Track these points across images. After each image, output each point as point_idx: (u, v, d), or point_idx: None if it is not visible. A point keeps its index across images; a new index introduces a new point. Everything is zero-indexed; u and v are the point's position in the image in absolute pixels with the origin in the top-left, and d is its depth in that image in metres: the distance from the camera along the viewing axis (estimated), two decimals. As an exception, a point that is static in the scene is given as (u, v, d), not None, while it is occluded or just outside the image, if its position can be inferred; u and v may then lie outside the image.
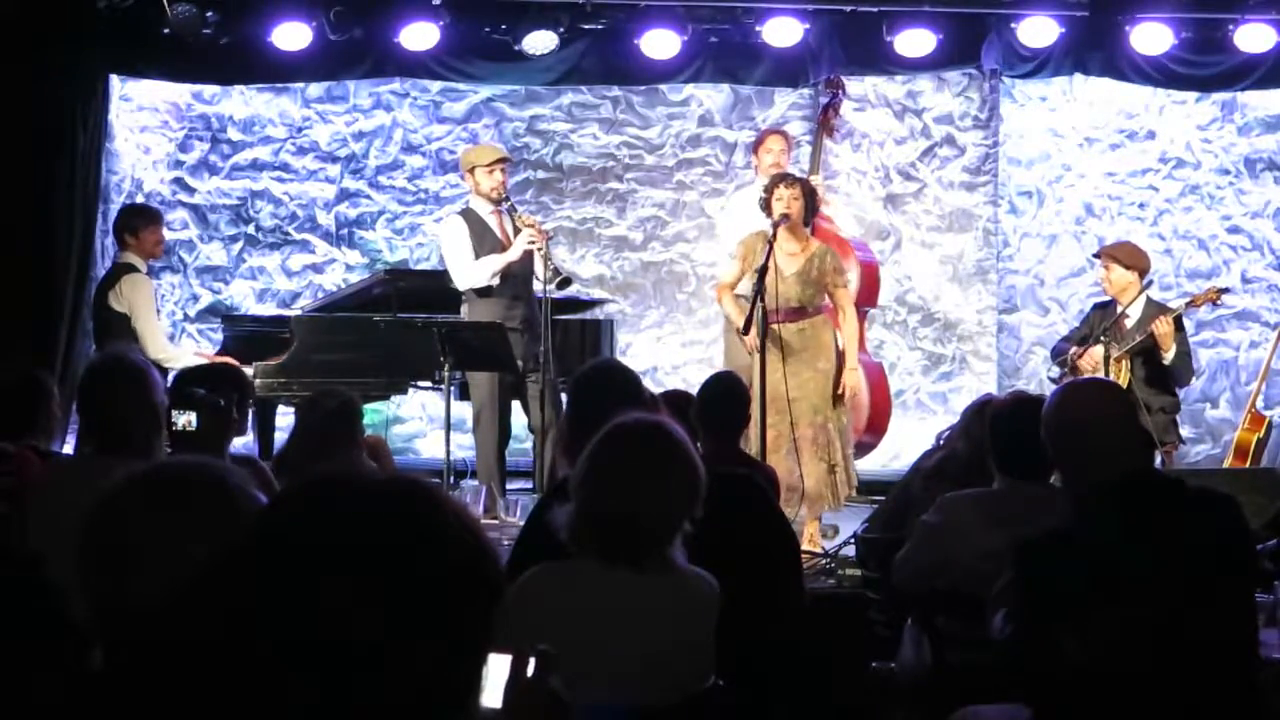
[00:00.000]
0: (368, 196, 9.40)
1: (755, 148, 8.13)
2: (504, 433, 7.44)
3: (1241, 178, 9.57)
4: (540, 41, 8.52)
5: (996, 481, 4.05)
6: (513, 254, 7.25)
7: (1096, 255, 7.84)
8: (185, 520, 1.84)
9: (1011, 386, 9.01)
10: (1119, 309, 7.41)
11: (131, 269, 7.40)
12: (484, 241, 7.34)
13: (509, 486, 7.65)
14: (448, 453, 6.99)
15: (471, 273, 7.31)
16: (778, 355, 6.81)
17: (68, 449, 7.39)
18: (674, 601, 3.09)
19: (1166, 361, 7.30)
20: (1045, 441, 3.41)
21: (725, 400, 5.06)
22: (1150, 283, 7.62)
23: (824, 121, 8.36)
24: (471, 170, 7.47)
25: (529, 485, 7.78)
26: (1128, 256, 7.52)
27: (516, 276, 7.33)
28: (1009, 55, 8.92)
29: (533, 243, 7.17)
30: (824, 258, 6.90)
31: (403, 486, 1.44)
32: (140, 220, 7.56)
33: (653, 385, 6.81)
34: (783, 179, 7.02)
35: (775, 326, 6.83)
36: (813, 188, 7.12)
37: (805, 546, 6.47)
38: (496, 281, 7.30)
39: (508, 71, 8.95)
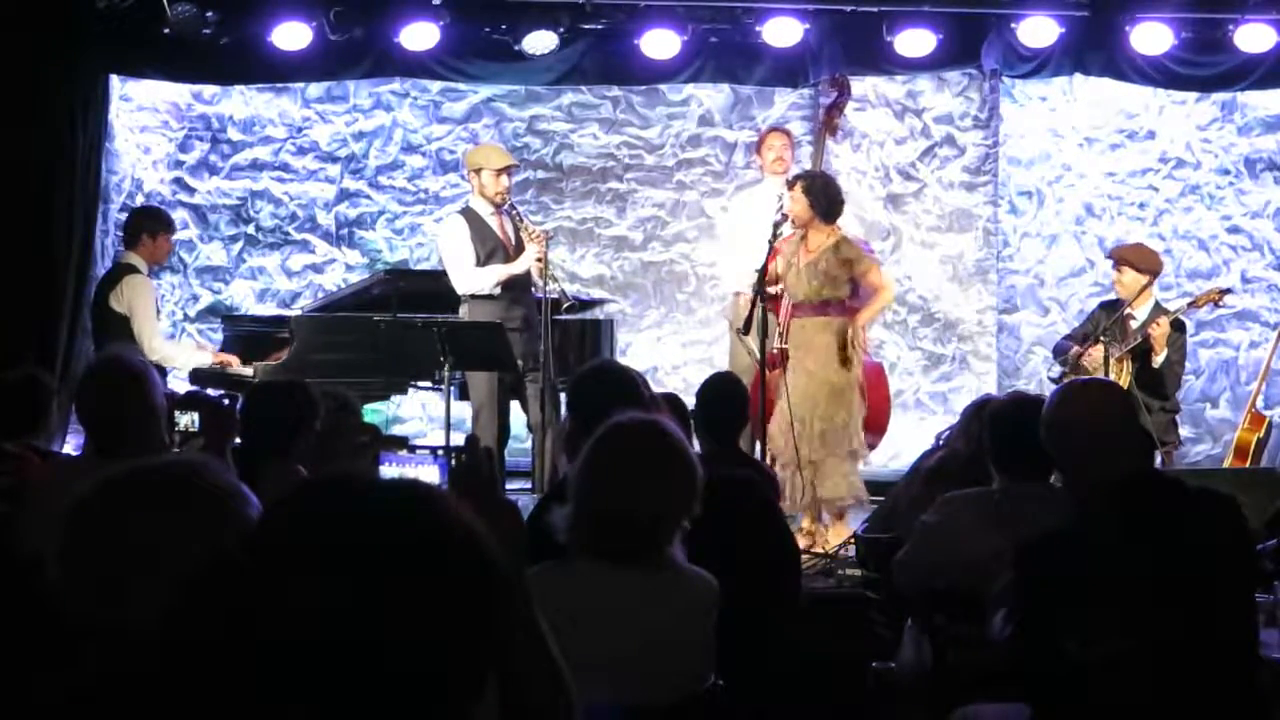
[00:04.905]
0: (368, 196, 9.39)
1: (758, 147, 8.18)
2: (503, 432, 7.45)
3: (1241, 178, 9.57)
4: (540, 41, 8.52)
5: (996, 481, 4.04)
6: (517, 268, 7.27)
7: (1109, 256, 7.84)
8: (163, 519, 1.84)
9: (1011, 386, 9.01)
10: (1125, 309, 7.41)
11: (133, 270, 7.41)
12: (485, 242, 7.34)
13: (509, 486, 7.65)
14: (448, 453, 6.98)
15: (473, 279, 7.31)
16: (792, 351, 6.89)
17: (68, 449, 7.41)
18: (673, 601, 3.09)
19: (1156, 364, 7.31)
20: (1044, 442, 3.41)
21: (725, 401, 5.06)
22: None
23: (828, 121, 8.36)
24: (478, 171, 7.47)
25: (528, 485, 7.78)
26: (1141, 258, 7.53)
27: (516, 277, 7.34)
28: (1009, 55, 8.91)
29: (539, 259, 7.19)
30: (834, 249, 6.92)
31: (402, 487, 1.44)
32: (162, 226, 7.61)
33: (653, 385, 6.81)
34: (787, 182, 7.14)
35: (793, 320, 6.90)
36: (823, 181, 7.10)
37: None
38: (498, 291, 7.31)
39: (508, 71, 8.94)
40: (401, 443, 7.28)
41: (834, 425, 6.84)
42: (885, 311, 8.39)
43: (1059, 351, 7.74)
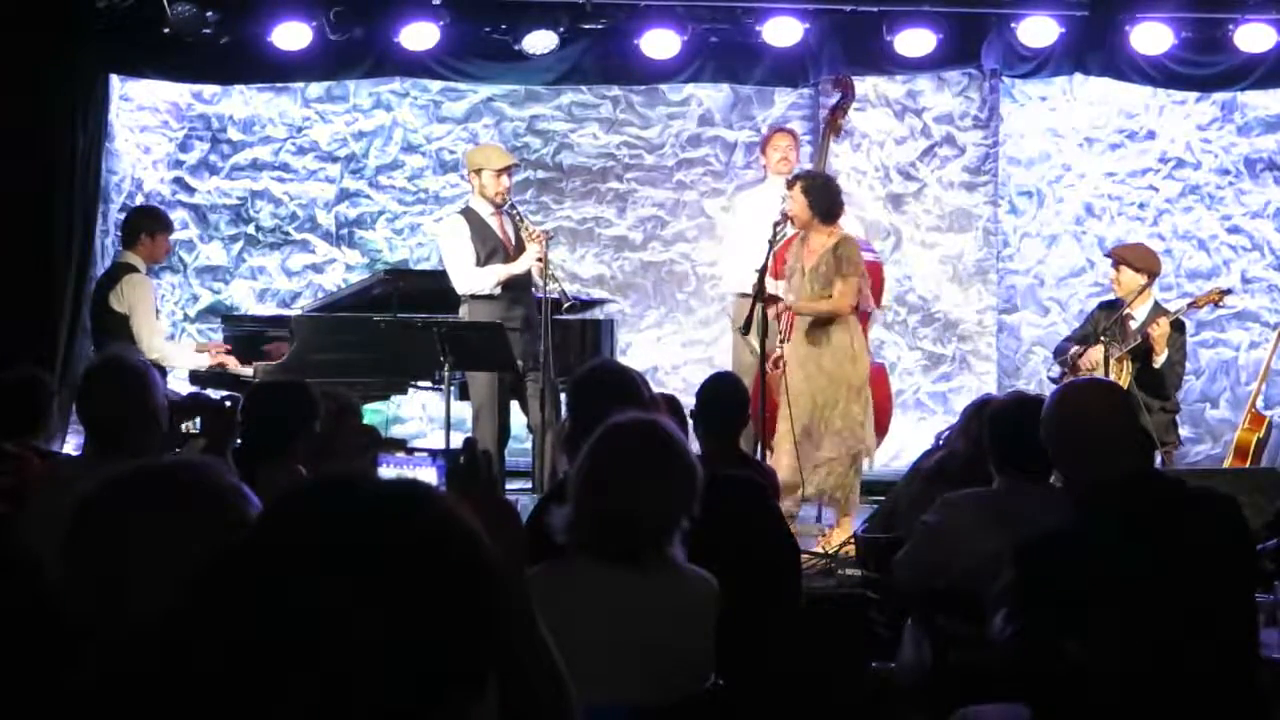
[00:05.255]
0: (368, 196, 9.39)
1: (763, 147, 8.19)
2: (503, 432, 7.44)
3: (1241, 178, 9.58)
4: (540, 41, 8.52)
5: (996, 481, 4.05)
6: (518, 268, 7.27)
7: (1108, 255, 7.85)
8: (165, 519, 1.84)
9: (1011, 386, 9.01)
10: (1124, 309, 7.41)
11: (132, 269, 7.40)
12: (485, 242, 7.34)
13: (509, 486, 7.65)
14: (447, 454, 6.98)
15: (474, 279, 7.30)
16: (793, 350, 6.90)
17: (68, 449, 7.41)
18: (673, 601, 3.09)
19: (1157, 365, 7.31)
20: (1044, 442, 3.41)
21: (725, 400, 5.06)
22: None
23: (832, 121, 8.36)
24: (478, 171, 7.46)
25: (528, 485, 7.79)
26: (1139, 258, 7.52)
27: (516, 277, 7.34)
28: (1009, 55, 8.92)
29: (539, 259, 7.19)
30: (834, 250, 6.93)
31: (402, 487, 1.44)
32: (160, 225, 7.60)
33: (653, 385, 6.81)
34: (787, 182, 7.16)
35: (800, 318, 6.92)
36: (823, 182, 7.10)
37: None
38: (498, 290, 7.31)
39: (508, 71, 8.94)
40: (399, 445, 7.28)
41: (851, 422, 6.86)
42: (883, 312, 8.43)
43: (1059, 353, 7.75)
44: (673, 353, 9.47)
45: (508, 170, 7.47)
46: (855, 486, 6.91)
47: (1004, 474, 4.01)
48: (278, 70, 8.76)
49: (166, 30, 8.20)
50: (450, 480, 1.94)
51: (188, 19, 8.11)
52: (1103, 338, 7.29)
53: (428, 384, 7.88)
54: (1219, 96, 9.42)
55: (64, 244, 8.38)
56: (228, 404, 4.14)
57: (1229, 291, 7.99)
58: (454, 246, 7.37)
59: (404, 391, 8.17)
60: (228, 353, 7.68)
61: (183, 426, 4.00)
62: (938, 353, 9.51)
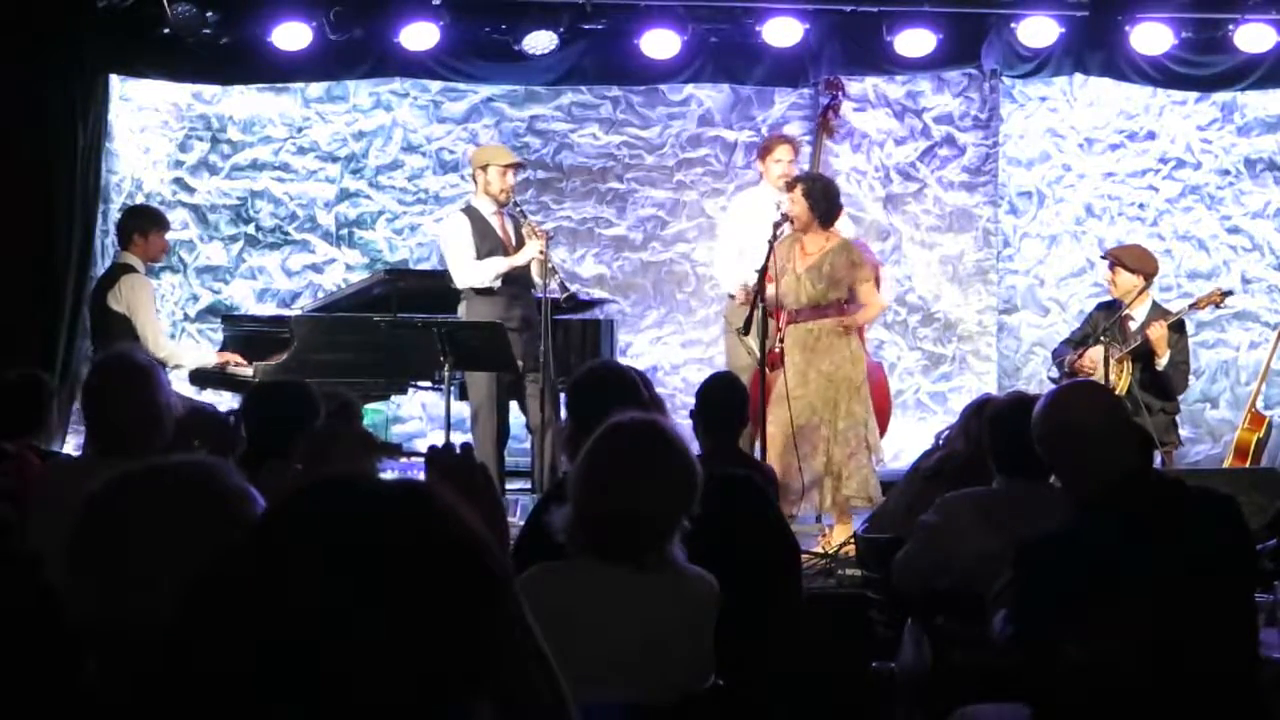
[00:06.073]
0: (368, 196, 9.39)
1: (762, 155, 8.11)
2: (502, 432, 7.44)
3: (1241, 178, 9.58)
4: (540, 41, 8.52)
5: (996, 481, 4.05)
6: (518, 260, 7.27)
7: (1104, 256, 7.85)
8: (172, 519, 1.84)
9: (1011, 387, 9.01)
10: (1123, 310, 7.41)
11: (131, 269, 7.40)
12: (486, 240, 7.35)
13: (508, 486, 7.65)
14: (448, 453, 6.96)
15: (474, 272, 7.31)
16: (789, 355, 6.89)
17: (68, 449, 7.42)
18: (673, 601, 3.09)
19: (1160, 367, 7.31)
20: (1038, 447, 3.41)
21: (724, 400, 5.06)
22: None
23: (824, 122, 8.37)
24: (484, 168, 7.47)
25: (528, 485, 7.79)
26: (1134, 260, 7.51)
27: (516, 277, 7.35)
28: (1009, 55, 8.92)
29: (540, 253, 7.19)
30: (837, 253, 6.94)
31: (403, 488, 1.45)
32: (152, 224, 7.58)
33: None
34: (788, 184, 7.15)
35: (791, 326, 6.91)
36: (823, 184, 7.11)
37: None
38: (499, 284, 7.31)
39: (508, 71, 8.95)
40: (395, 450, 7.29)
41: (855, 422, 6.86)
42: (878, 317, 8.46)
43: (1056, 356, 7.74)
44: (673, 353, 9.47)
45: (513, 168, 7.48)
46: (871, 486, 6.89)
47: (1004, 474, 4.02)
48: (278, 70, 8.76)
49: (166, 30, 8.20)
50: (429, 464, 1.94)
51: (188, 19, 8.11)
52: (1103, 338, 7.29)
53: (428, 384, 7.88)
54: (1219, 97, 9.42)
55: (64, 244, 8.38)
56: (231, 418, 4.14)
57: (1229, 292, 7.97)
58: (454, 241, 7.39)
59: (404, 391, 8.17)
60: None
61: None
62: (938, 353, 9.52)
